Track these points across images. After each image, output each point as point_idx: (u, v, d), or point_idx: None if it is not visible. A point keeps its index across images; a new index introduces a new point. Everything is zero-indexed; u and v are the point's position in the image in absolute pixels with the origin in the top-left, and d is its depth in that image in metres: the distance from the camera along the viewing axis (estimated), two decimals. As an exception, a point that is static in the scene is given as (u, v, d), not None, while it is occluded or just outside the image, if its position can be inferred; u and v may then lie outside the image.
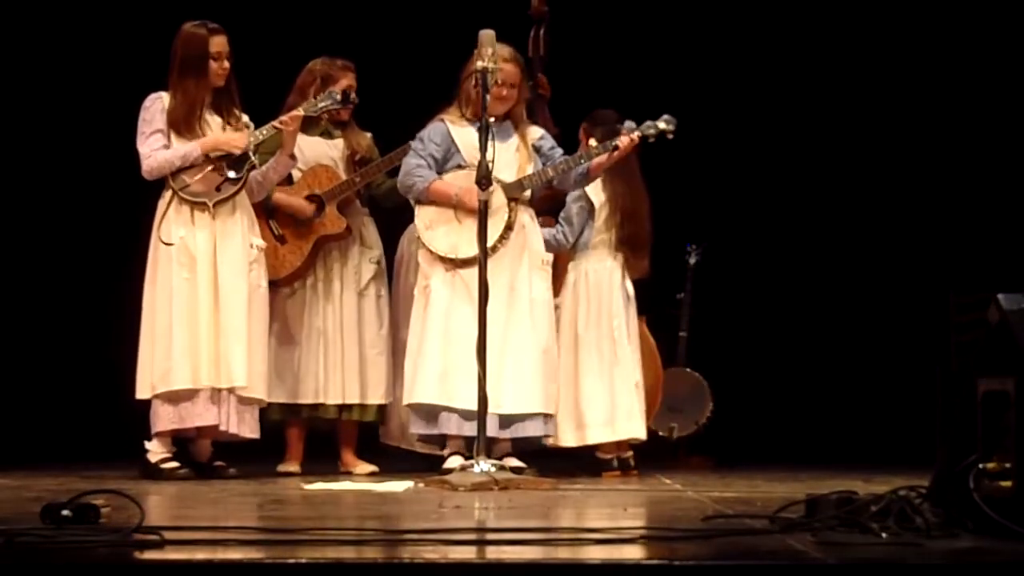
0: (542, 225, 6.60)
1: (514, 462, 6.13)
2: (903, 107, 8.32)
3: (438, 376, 6.16)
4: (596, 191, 6.77)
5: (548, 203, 6.87)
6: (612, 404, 6.67)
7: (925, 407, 6.85)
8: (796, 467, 6.89)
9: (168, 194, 6.28)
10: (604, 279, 6.79)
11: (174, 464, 6.21)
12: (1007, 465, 3.68)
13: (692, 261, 8.06)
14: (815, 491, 4.12)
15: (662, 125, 6.36)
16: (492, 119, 5.99)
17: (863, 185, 8.43)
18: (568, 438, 6.65)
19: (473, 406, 5.83)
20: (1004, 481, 3.69)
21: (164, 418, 6.17)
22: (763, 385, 8.30)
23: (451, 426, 6.16)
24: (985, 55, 8.11)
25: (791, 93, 8.37)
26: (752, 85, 8.39)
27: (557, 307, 6.66)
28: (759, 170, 8.44)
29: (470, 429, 5.97)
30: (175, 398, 6.16)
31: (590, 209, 6.79)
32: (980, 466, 3.74)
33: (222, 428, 6.18)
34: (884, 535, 3.59)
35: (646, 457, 7.12)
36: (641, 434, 6.75)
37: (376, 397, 6.73)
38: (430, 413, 6.21)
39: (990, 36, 8.08)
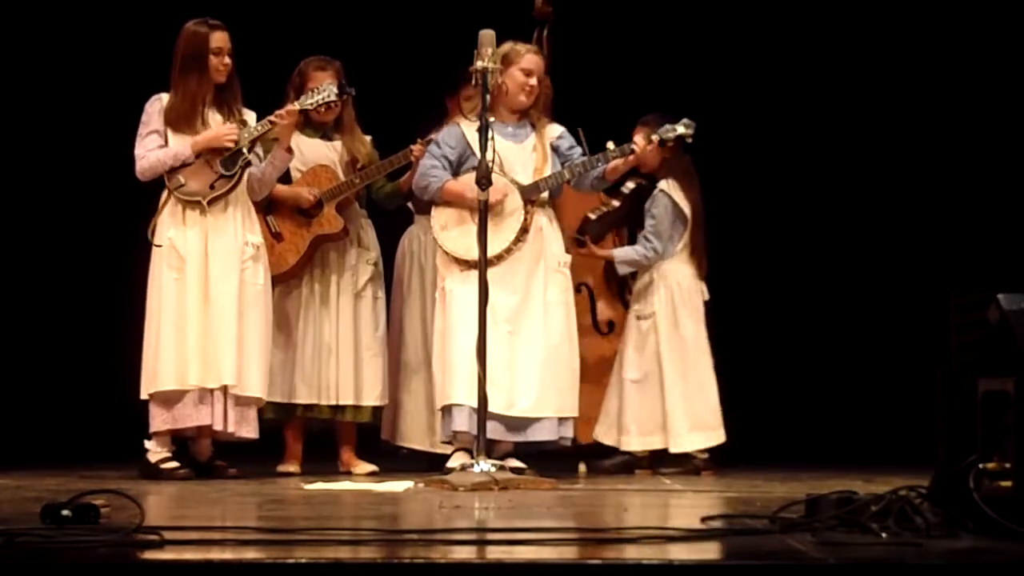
0: (617, 243, 6.64)
1: (514, 462, 6.12)
2: (903, 108, 8.31)
3: (468, 377, 6.02)
4: (682, 200, 6.82)
5: (612, 218, 6.96)
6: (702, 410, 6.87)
7: (925, 407, 6.88)
8: (796, 467, 6.88)
9: (165, 194, 6.28)
10: (693, 286, 6.89)
11: (174, 464, 6.21)
12: (1007, 465, 3.68)
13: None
14: (815, 491, 4.12)
15: (681, 129, 6.35)
16: (492, 119, 5.99)
17: (863, 185, 8.42)
18: (682, 442, 6.79)
19: (494, 407, 5.86)
20: (1004, 481, 3.68)
21: (159, 419, 6.18)
22: (763, 385, 8.29)
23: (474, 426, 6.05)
24: (985, 55, 8.11)
25: (792, 94, 8.37)
26: (754, 86, 8.38)
27: (650, 317, 6.76)
28: (759, 171, 8.43)
29: (490, 430, 5.92)
30: (168, 399, 6.15)
31: (683, 219, 6.84)
32: (980, 466, 3.74)
33: (217, 428, 6.17)
34: (884, 535, 3.59)
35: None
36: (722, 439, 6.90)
37: (371, 399, 6.71)
38: (461, 412, 6.12)
39: (990, 36, 8.07)
